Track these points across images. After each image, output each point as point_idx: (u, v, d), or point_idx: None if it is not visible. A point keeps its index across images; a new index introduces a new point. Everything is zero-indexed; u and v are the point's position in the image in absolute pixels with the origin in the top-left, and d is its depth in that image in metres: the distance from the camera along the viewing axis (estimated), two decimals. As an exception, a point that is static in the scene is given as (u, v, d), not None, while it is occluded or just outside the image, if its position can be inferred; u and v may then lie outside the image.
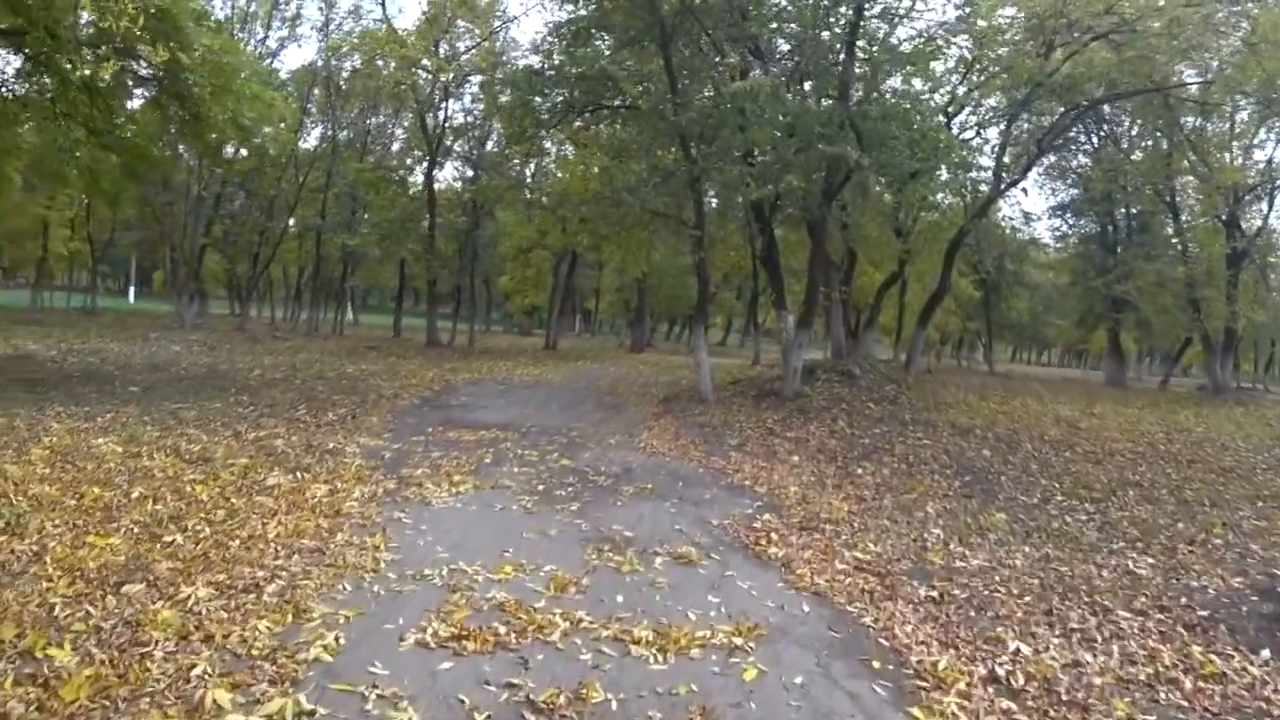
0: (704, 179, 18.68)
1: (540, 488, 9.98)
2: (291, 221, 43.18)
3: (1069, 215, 42.55)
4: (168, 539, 7.14)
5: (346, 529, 7.80)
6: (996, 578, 7.67)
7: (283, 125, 29.12)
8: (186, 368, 21.16)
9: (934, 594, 7.06)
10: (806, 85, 19.16)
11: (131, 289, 67.83)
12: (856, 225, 24.87)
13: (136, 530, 7.35)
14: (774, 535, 8.47)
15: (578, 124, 22.08)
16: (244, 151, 41.04)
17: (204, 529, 7.46)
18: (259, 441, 11.63)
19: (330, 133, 41.04)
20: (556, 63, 19.42)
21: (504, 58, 30.26)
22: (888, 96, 18.37)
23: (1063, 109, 23.19)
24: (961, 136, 24.79)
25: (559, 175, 35.13)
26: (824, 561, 7.73)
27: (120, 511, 7.88)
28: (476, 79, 31.92)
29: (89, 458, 9.88)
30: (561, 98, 19.83)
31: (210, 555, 6.82)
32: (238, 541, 7.21)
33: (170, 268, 39.66)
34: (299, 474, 9.85)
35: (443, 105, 34.44)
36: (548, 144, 29.14)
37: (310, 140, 43.30)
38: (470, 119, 35.84)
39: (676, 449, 13.63)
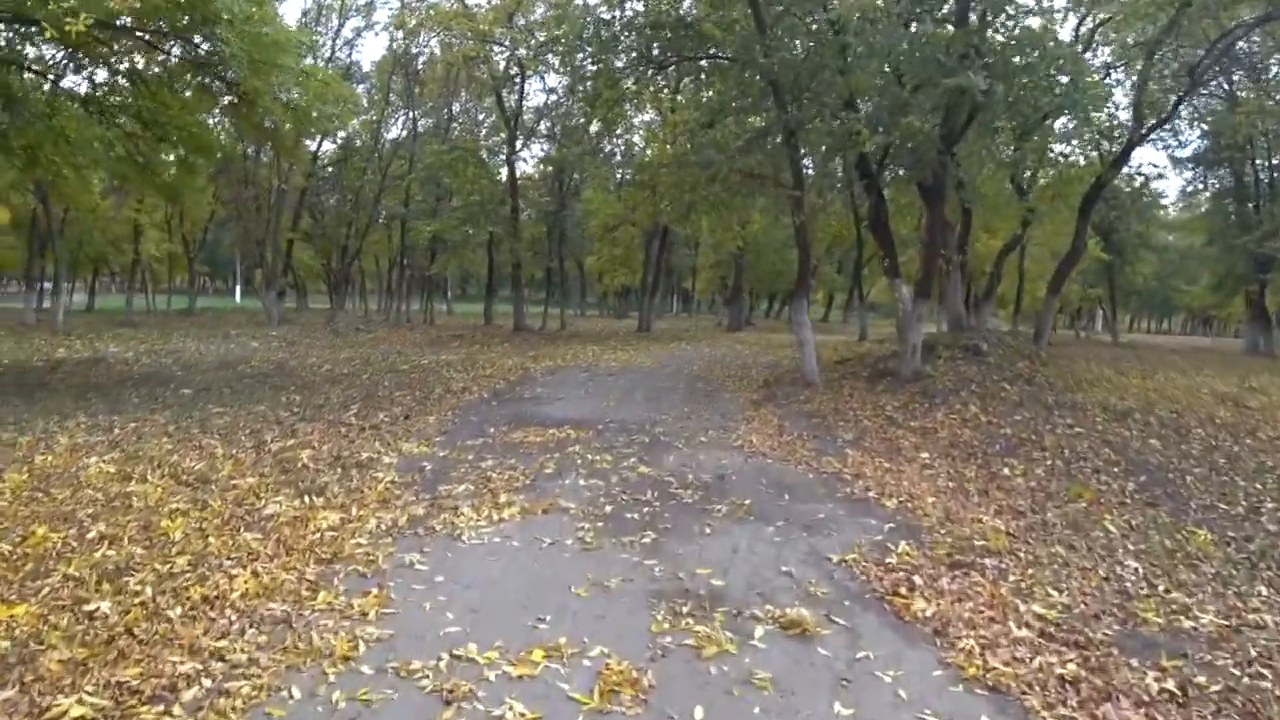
0: (800, 133, 16.21)
1: (607, 509, 7.78)
2: (382, 212, 41.96)
3: (1199, 168, 38.75)
4: (93, 605, 5.20)
5: (337, 582, 5.77)
6: (1251, 649, 5.21)
7: (345, 108, 27.60)
8: (254, 366, 19.70)
9: (1169, 685, 4.63)
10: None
11: (237, 288, 68.15)
12: (972, 181, 22.07)
13: (62, 592, 5.45)
14: (917, 579, 6.06)
15: (659, 83, 19.82)
16: (326, 144, 40.72)
17: (147, 588, 5.50)
18: (281, 454, 9.71)
19: (411, 118, 39.55)
20: (629, 13, 17.22)
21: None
22: (1012, 26, 15.59)
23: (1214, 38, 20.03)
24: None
25: (645, 149, 33.10)
26: (993, 624, 5.34)
27: (58, 561, 6.01)
28: (555, 56, 29.96)
29: (69, 483, 8.11)
30: (636, 52, 17.58)
31: (135, 633, 4.87)
32: (183, 607, 5.25)
33: (259, 264, 38.56)
34: (309, 498, 7.86)
35: (520, 81, 32.46)
36: (629, 110, 26.81)
37: (394, 129, 42.13)
38: (552, 98, 33.88)
39: (780, 446, 11.28)
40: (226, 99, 17.93)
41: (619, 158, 43.96)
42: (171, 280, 50.71)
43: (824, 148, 16.91)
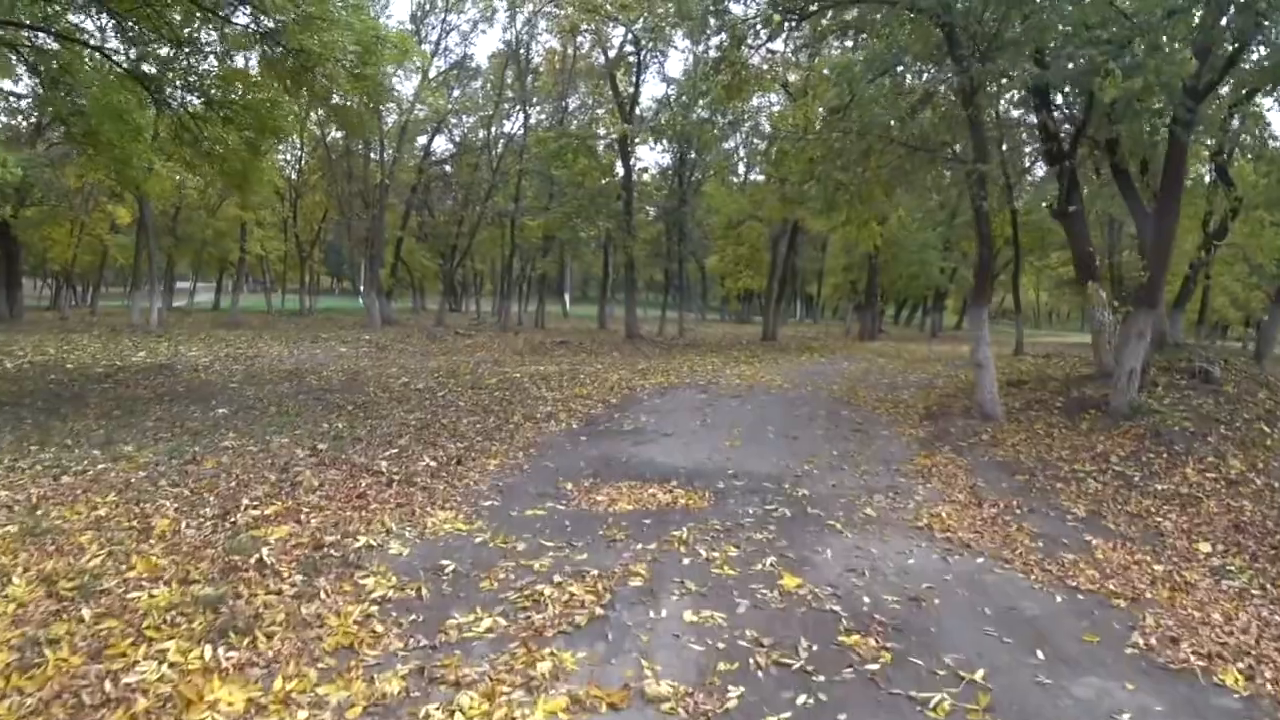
0: (982, 93, 12.31)
1: (730, 697, 4.19)
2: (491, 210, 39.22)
3: None
4: None
5: None
6: None
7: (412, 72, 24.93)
8: (324, 377, 16.84)
9: None
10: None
11: (360, 289, 66.63)
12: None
13: None
14: None
15: (795, 41, 16.07)
16: (439, 140, 38.23)
17: None
18: (243, 531, 6.45)
19: (523, 111, 36.49)
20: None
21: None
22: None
23: None
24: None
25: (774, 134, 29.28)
26: None
27: None
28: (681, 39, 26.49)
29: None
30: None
31: None
32: None
33: (366, 263, 36.25)
34: (215, 647, 4.51)
35: (637, 61, 28.92)
36: (754, 92, 23.00)
37: (509, 125, 39.30)
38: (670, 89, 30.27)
39: (986, 529, 7.46)
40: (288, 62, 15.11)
41: (741, 151, 40.50)
42: (301, 281, 49.18)
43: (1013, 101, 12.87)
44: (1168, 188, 12.17)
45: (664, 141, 36.66)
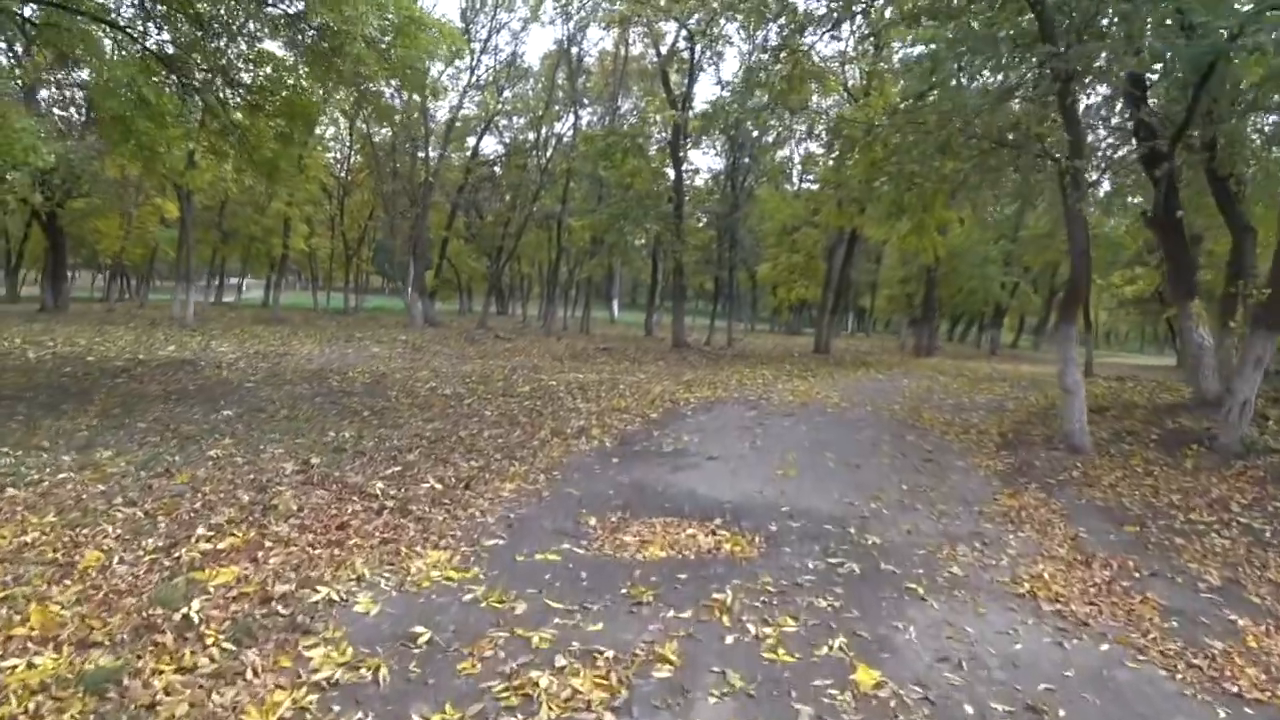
0: (1080, 80, 10.78)
1: None
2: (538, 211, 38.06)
3: None
4: None
5: None
6: None
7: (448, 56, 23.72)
8: (350, 379, 15.77)
9: None
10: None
11: (408, 289, 65.84)
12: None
13: None
14: None
15: (859, 31, 14.51)
16: (487, 139, 37.19)
17: None
18: (180, 574, 5.18)
19: (574, 111, 35.26)
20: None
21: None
22: None
23: None
24: None
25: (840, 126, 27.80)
26: None
27: None
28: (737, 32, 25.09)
29: None
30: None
31: None
32: None
33: (410, 263, 35.24)
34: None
35: (691, 57, 27.40)
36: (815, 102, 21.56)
37: (560, 127, 38.12)
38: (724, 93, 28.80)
39: (1101, 598, 5.93)
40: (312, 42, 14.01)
41: (797, 158, 39.01)
42: (346, 279, 48.38)
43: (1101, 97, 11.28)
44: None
45: (716, 144, 35.51)
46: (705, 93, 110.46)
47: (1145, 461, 10.78)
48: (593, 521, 7.07)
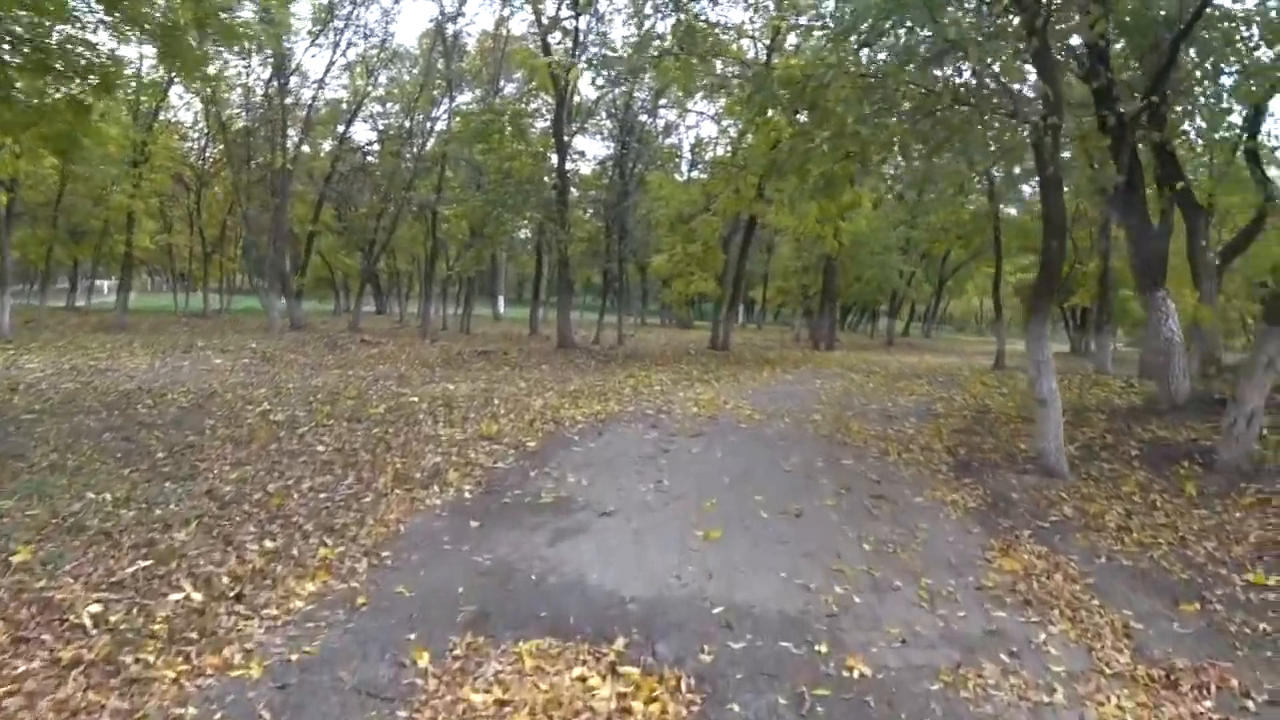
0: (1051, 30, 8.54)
1: None
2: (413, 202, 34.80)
3: None
4: None
5: None
6: None
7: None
8: (166, 402, 12.96)
9: None
10: None
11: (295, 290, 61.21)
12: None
13: None
14: None
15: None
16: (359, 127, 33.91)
17: None
18: None
19: (448, 95, 32.06)
20: None
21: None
22: None
23: None
24: None
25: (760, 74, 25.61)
26: None
27: None
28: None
29: None
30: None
31: None
32: None
33: (271, 260, 31.68)
34: None
35: (575, 24, 24.47)
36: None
37: (438, 112, 34.90)
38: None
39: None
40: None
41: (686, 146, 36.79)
42: (205, 279, 43.93)
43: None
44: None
45: (604, 129, 32.99)
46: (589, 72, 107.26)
47: (1139, 487, 8.65)
48: (425, 660, 4.44)
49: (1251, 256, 19.14)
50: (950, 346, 49.61)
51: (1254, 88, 11.27)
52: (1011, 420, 13.17)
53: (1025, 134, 8.37)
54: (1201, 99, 12.32)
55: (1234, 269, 18.64)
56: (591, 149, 59.89)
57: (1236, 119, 14.33)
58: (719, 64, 15.91)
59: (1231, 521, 7.50)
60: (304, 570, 5.77)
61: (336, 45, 30.92)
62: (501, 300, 62.80)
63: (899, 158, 11.75)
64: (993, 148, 9.81)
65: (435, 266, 33.20)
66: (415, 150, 32.96)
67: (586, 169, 36.19)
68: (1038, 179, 9.30)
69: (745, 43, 21.26)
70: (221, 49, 20.08)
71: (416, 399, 13.72)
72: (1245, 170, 16.79)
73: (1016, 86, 9.59)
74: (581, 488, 8.27)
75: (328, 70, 33.73)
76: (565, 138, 25.31)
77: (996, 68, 8.69)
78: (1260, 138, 16.21)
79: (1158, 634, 5.26)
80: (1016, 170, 15.98)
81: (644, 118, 32.89)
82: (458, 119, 26.23)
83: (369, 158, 38.05)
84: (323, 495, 7.71)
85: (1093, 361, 25.39)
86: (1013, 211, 28.52)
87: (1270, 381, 8.80)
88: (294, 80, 32.24)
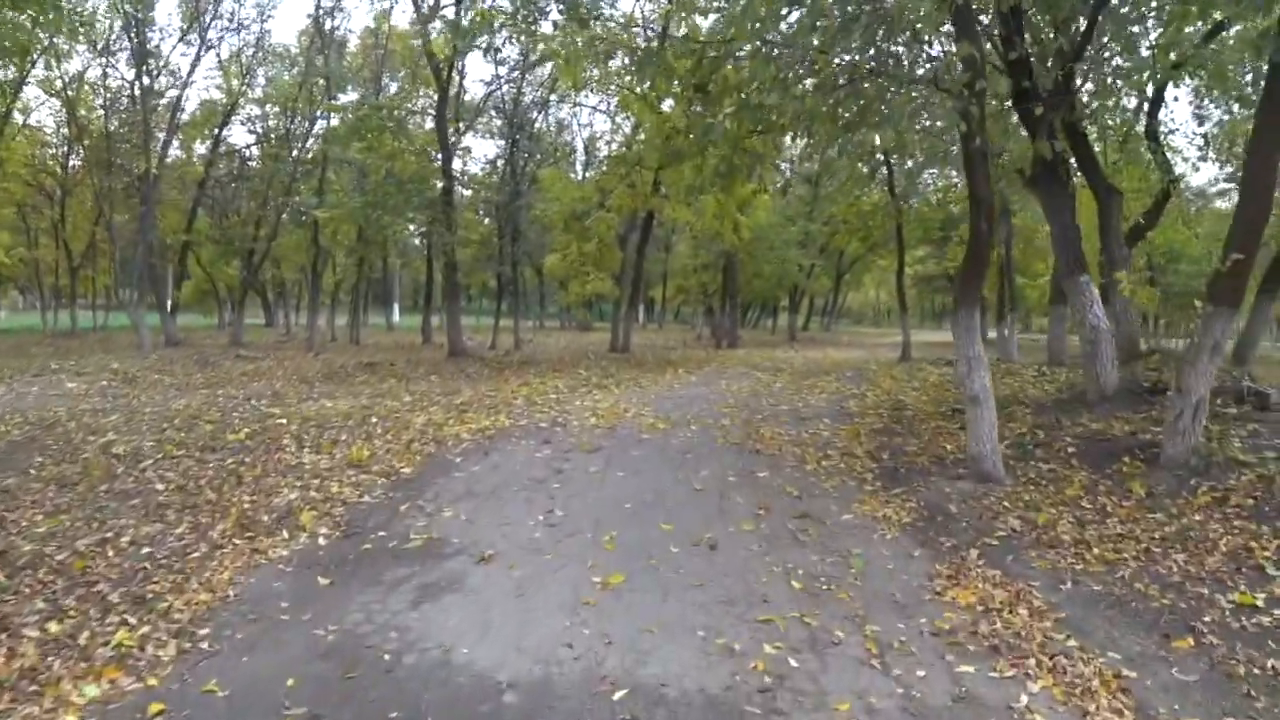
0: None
1: None
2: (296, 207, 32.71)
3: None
4: None
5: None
6: None
7: None
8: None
9: None
10: None
11: (168, 302, 57.78)
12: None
13: None
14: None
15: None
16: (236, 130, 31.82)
17: None
18: None
19: (328, 93, 30.18)
20: None
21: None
22: None
23: None
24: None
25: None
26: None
27: None
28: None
29: None
30: None
31: None
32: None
33: (138, 272, 29.36)
34: None
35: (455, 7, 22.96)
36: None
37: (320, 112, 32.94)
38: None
39: None
40: None
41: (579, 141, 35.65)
42: (73, 294, 40.85)
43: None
44: (1269, 131, 7.70)
45: (494, 125, 31.65)
46: (477, 70, 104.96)
47: (1084, 490, 7.79)
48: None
49: (1146, 242, 18.87)
50: (852, 339, 49.37)
51: (1156, 73, 10.59)
52: (931, 417, 12.31)
53: (950, 105, 7.37)
54: (1110, 76, 11.63)
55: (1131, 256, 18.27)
56: (483, 149, 58.47)
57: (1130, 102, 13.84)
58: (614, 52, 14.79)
59: (1193, 526, 6.67)
60: (89, 666, 4.43)
61: (203, 39, 28.82)
62: (397, 308, 60.68)
63: (806, 137, 10.76)
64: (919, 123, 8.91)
65: (320, 275, 31.33)
66: (294, 153, 30.97)
67: (478, 169, 34.86)
68: (962, 156, 8.35)
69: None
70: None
71: (285, 420, 12.22)
72: (1145, 151, 16.37)
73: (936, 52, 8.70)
74: (458, 525, 7.01)
75: (194, 66, 31.59)
76: (450, 133, 23.84)
77: (914, 30, 7.71)
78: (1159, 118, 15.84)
79: (1157, 685, 4.32)
80: (920, 157, 15.27)
81: (535, 114, 31.69)
82: (335, 115, 24.32)
83: (250, 162, 35.90)
84: (144, 551, 6.32)
85: (997, 350, 25.06)
86: (913, 203, 28.08)
87: (1215, 368, 8.04)
88: (164, 80, 30.14)
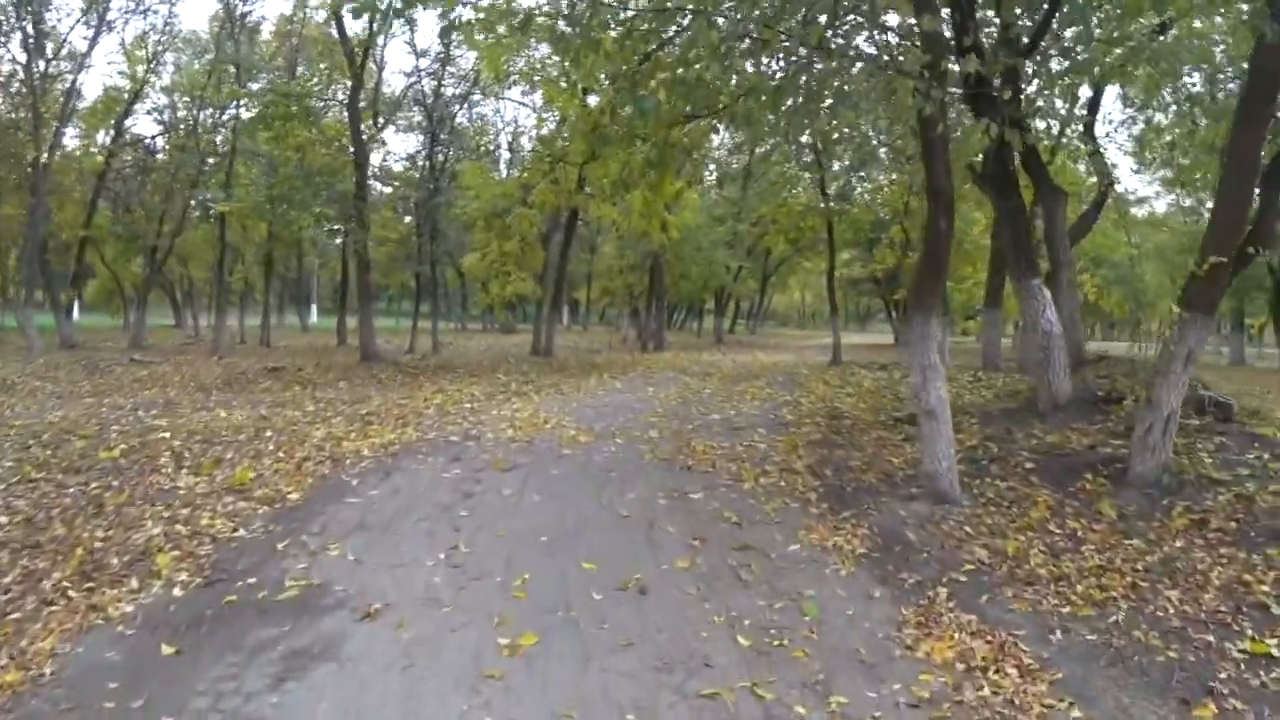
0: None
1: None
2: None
3: None
4: None
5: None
6: None
7: None
8: None
9: None
10: None
11: (75, 304, 54.84)
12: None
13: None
14: None
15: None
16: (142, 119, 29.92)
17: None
18: None
19: (238, 81, 28.48)
20: None
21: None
22: None
23: None
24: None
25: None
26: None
27: None
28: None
29: None
30: None
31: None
32: None
33: (27, 269, 27.40)
34: None
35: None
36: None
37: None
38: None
39: None
40: None
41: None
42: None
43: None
44: (1253, 119, 6.99)
45: (413, 115, 30.43)
46: (398, 60, 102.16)
47: (1050, 512, 7.03)
48: None
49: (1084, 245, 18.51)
50: (778, 342, 48.90)
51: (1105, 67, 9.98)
52: (871, 427, 11.54)
53: (910, 87, 6.52)
54: (1060, 69, 11.00)
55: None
56: (405, 145, 56.85)
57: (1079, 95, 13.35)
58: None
59: (1176, 555, 5.96)
60: None
61: (102, 19, 26.91)
62: (314, 309, 58.63)
63: (743, 124, 9.86)
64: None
65: (231, 273, 29.70)
66: (198, 143, 29.18)
67: (399, 165, 33.52)
68: (921, 146, 7.54)
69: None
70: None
71: (169, 434, 10.93)
72: (1084, 151, 15.94)
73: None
74: (344, 567, 5.94)
75: (92, 47, 29.53)
76: (369, 125, 22.53)
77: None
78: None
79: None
80: (846, 160, 14.58)
81: (456, 108, 30.48)
82: (243, 103, 22.54)
83: (157, 154, 33.90)
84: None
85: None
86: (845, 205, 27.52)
87: (1188, 377, 7.35)
88: (64, 65, 28.21)
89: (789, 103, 7.54)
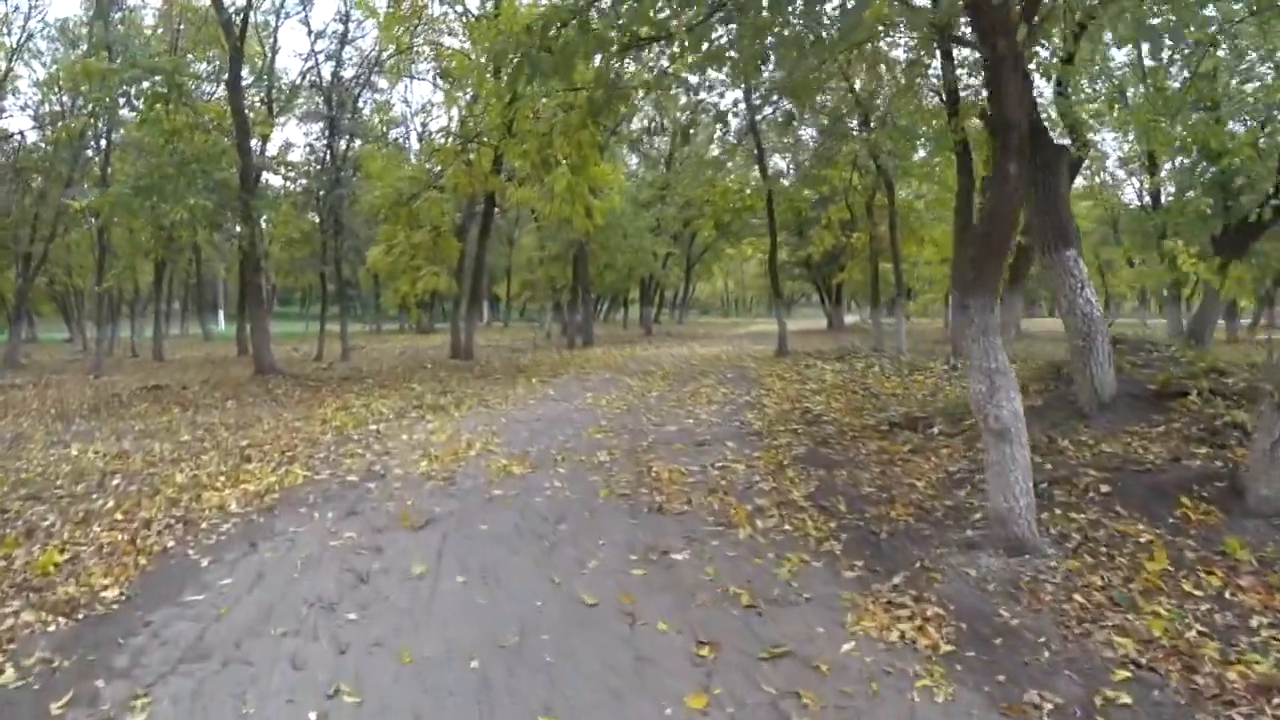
0: None
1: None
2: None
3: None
4: None
5: None
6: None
7: None
8: None
9: None
10: None
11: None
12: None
13: None
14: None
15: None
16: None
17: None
18: None
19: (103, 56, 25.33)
20: None
21: None
22: None
23: None
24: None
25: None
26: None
27: None
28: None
29: None
30: None
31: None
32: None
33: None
34: None
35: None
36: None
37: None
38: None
39: None
40: None
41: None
42: None
43: None
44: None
45: (311, 100, 27.79)
46: (293, 43, 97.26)
47: (1171, 561, 5.03)
48: None
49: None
50: (708, 332, 46.83)
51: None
52: (862, 435, 9.51)
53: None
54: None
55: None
56: (308, 137, 53.42)
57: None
58: None
59: None
60: None
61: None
62: (221, 316, 55.12)
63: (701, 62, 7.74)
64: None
65: (115, 280, 26.56)
66: (71, 135, 25.94)
67: (299, 156, 30.73)
68: (987, 68, 5.50)
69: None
70: None
71: (-14, 488, 8.39)
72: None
73: None
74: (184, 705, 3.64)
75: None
76: (249, 109, 19.78)
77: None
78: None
79: None
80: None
81: (357, 90, 27.76)
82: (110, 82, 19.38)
83: (33, 153, 30.44)
84: None
85: (874, 340, 22.89)
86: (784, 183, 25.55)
87: None
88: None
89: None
